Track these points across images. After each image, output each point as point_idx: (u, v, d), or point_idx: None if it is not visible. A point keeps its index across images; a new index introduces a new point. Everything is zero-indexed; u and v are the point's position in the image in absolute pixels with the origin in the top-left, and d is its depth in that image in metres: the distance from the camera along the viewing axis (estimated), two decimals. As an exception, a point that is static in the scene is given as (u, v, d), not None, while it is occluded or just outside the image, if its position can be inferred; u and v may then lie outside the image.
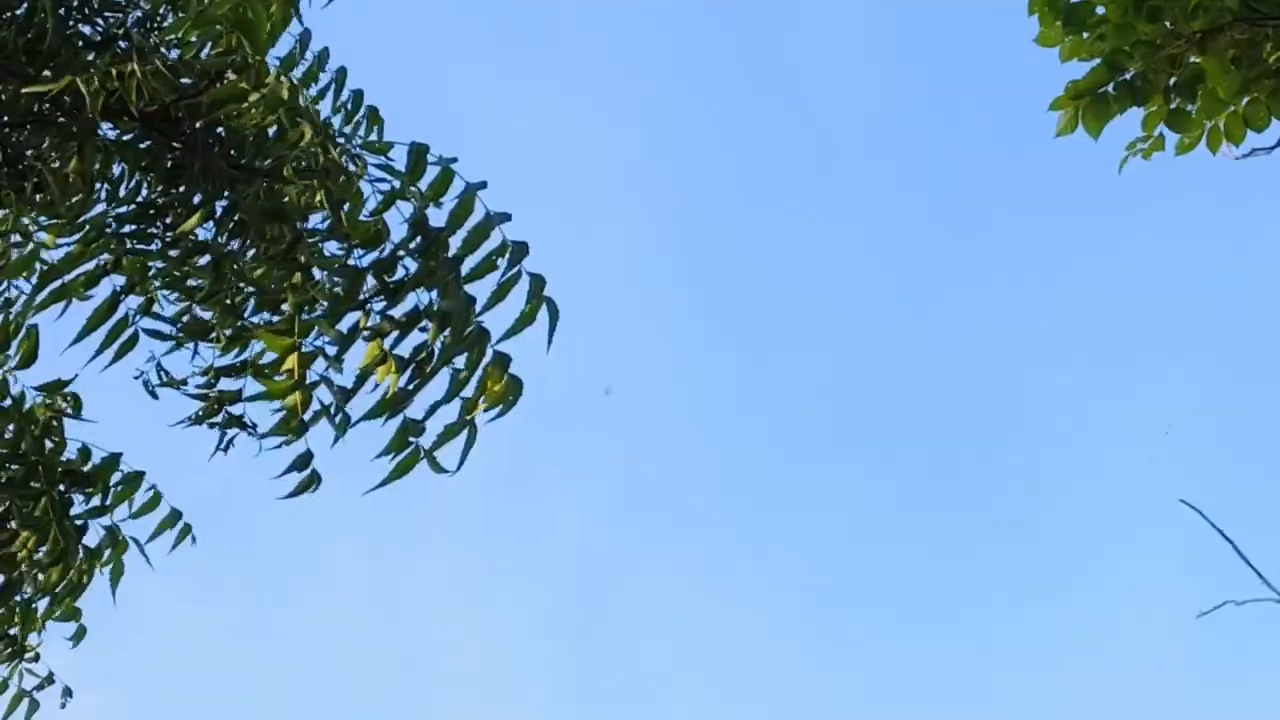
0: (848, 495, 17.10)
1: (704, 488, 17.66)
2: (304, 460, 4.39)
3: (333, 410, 4.57)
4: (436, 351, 4.44)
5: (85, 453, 5.10)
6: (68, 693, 5.41)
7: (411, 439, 4.43)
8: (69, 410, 5.09)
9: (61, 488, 4.71)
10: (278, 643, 16.23)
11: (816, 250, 16.60)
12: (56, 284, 4.83)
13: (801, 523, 17.40)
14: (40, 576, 4.64)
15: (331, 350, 4.67)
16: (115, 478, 5.16)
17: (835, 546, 17.14)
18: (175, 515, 5.04)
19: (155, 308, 4.85)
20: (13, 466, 4.58)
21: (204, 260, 4.82)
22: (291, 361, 4.21)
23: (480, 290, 4.29)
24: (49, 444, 4.90)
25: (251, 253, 4.81)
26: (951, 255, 16.64)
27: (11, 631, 5.25)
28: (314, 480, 4.37)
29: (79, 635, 5.29)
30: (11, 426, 4.87)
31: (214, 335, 4.83)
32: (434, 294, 4.51)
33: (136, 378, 4.76)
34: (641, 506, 17.28)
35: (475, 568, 17.17)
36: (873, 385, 16.69)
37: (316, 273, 4.79)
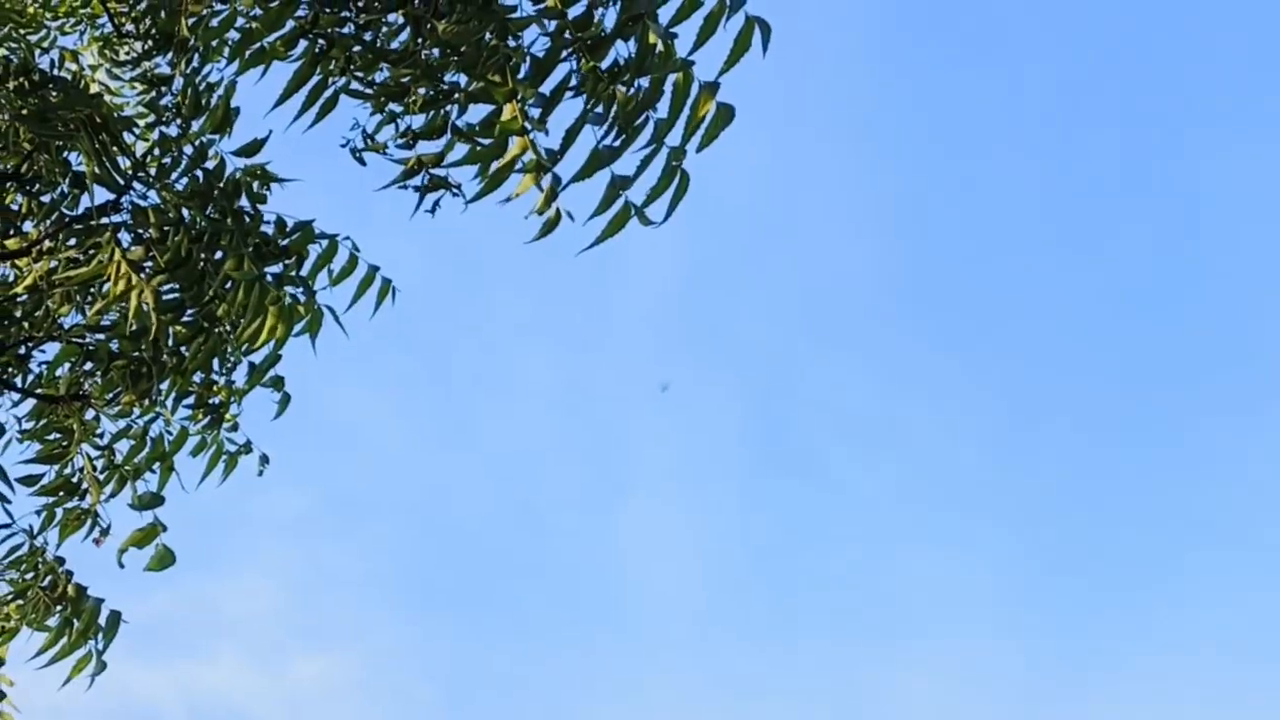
0: (1040, 302, 16.82)
1: (892, 296, 17.48)
2: (554, 216, 4.32)
3: (540, 175, 4.48)
4: (640, 102, 4.30)
5: (281, 224, 5.06)
6: (264, 460, 5.46)
7: (622, 193, 4.32)
8: (264, 183, 5.05)
9: (258, 245, 4.67)
10: (471, 444, 16.47)
11: (1010, 43, 16.11)
12: (255, 47, 4.75)
13: (992, 332, 17.17)
14: (241, 336, 4.62)
15: (535, 112, 4.56)
16: (312, 249, 5.12)
17: (1026, 354, 16.91)
18: (373, 272, 5.00)
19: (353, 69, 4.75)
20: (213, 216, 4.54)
21: (397, 18, 4.70)
22: (509, 115, 4.09)
23: (686, 31, 4.15)
24: (247, 208, 4.87)
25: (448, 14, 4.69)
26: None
27: (213, 401, 5.27)
28: (557, 219, 4.31)
29: (283, 404, 5.31)
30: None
31: (411, 97, 4.73)
32: (632, 44, 4.37)
33: (343, 145, 4.69)
34: (828, 315, 17.17)
35: (663, 372, 17.20)
36: (1078, 178, 16.28)
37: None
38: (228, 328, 4.76)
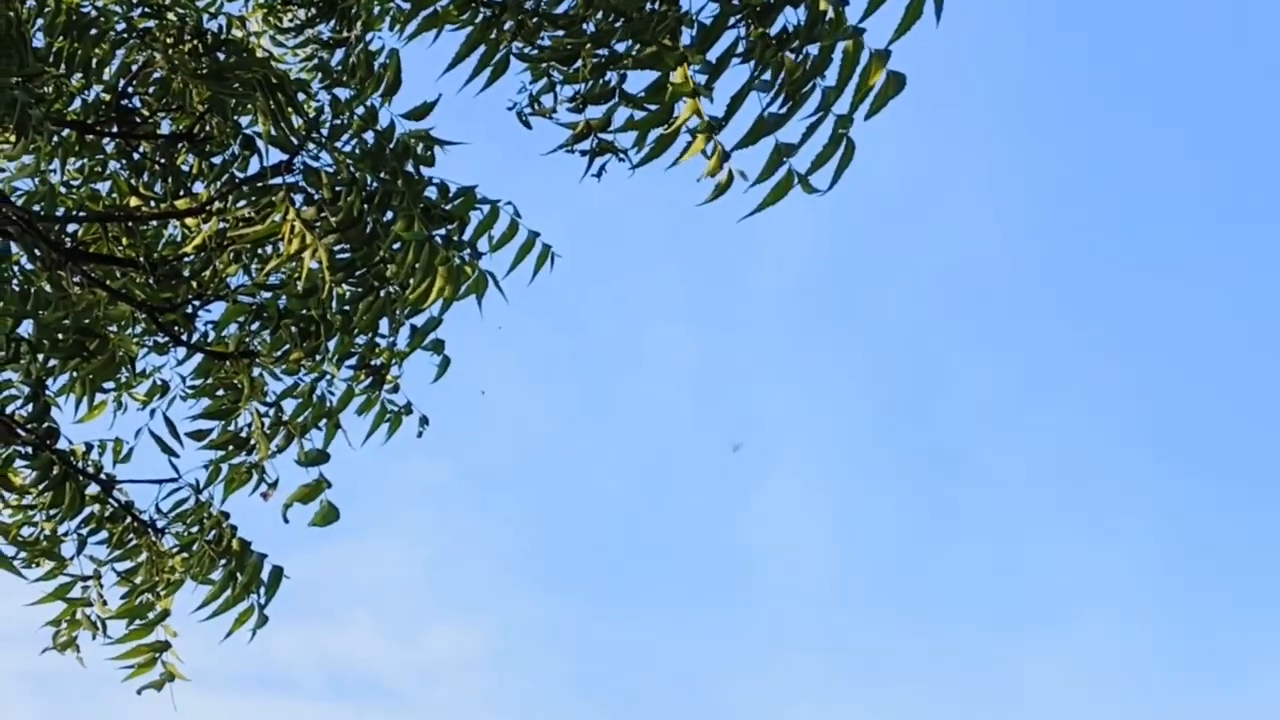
0: (1189, 294, 16.61)
1: (1038, 284, 17.35)
2: (725, 179, 4.38)
3: (707, 143, 4.53)
4: (808, 69, 4.33)
5: (444, 189, 5.15)
6: (424, 421, 5.56)
7: (785, 160, 4.35)
8: (429, 147, 5.14)
9: (425, 208, 4.77)
10: (607, 421, 16.58)
11: (1178, 23, 15.88)
12: (428, 11, 4.84)
13: (1138, 324, 16.98)
14: (408, 295, 4.72)
15: (701, 79, 4.61)
16: (474, 216, 5.20)
17: (1173, 346, 16.72)
18: (533, 238, 5.07)
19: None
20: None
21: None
22: (679, 78, 4.15)
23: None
24: (413, 171, 4.97)
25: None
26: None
27: (375, 363, 5.37)
28: (729, 181, 4.36)
29: (443, 367, 5.41)
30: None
31: (580, 62, 4.80)
32: (802, 11, 4.40)
33: (510, 108, 4.78)
34: (970, 300, 17.08)
35: (800, 353, 17.22)
36: (1240, 169, 16.06)
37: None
38: (396, 289, 4.86)
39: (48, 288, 5.31)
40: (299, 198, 4.86)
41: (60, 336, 5.03)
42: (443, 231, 5.14)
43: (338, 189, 4.79)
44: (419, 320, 5.31)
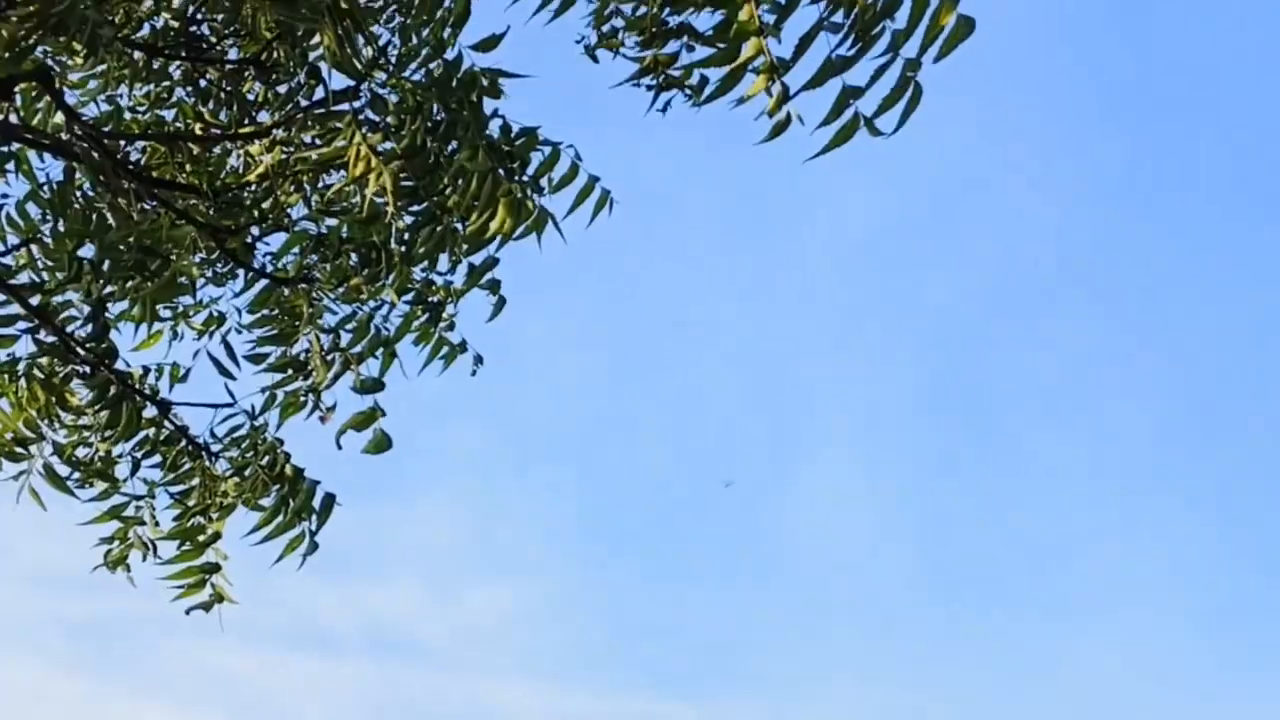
0: (1239, 293, 16.52)
1: (1090, 270, 17.26)
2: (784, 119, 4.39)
3: (772, 79, 4.53)
4: (878, 10, 4.33)
5: (506, 128, 5.17)
6: (478, 360, 5.59)
7: (852, 102, 4.35)
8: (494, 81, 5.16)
9: (489, 142, 4.80)
10: (653, 391, 16.61)
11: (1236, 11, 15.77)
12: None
13: (1188, 319, 16.90)
14: (471, 229, 4.75)
15: (769, 19, 4.61)
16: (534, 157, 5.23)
17: (1221, 344, 16.63)
18: (593, 182, 5.09)
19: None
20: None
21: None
22: (746, 15, 4.15)
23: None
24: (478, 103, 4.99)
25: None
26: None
27: (432, 300, 5.40)
28: (787, 122, 4.37)
29: (498, 307, 5.44)
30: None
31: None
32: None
33: (578, 41, 4.79)
34: (1021, 283, 17.01)
35: (848, 332, 17.19)
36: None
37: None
38: (457, 223, 4.89)
39: (110, 216, 5.36)
40: (364, 125, 4.89)
41: (123, 253, 5.08)
42: (503, 170, 5.17)
43: (402, 117, 4.82)
44: (477, 259, 5.35)
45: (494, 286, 5.46)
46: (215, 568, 5.42)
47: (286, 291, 5.31)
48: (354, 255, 5.08)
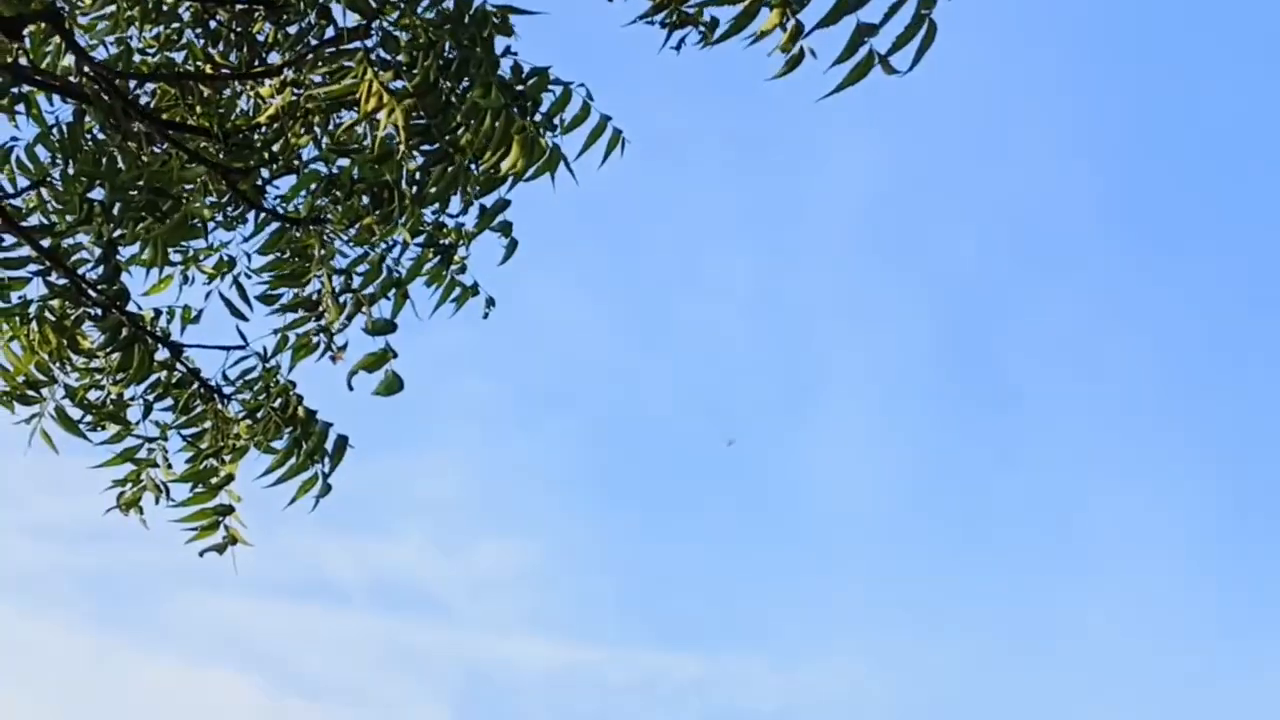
0: (1259, 243, 16.47)
1: (1105, 219, 17.22)
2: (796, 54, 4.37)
3: (785, 15, 4.51)
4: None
5: (517, 68, 5.14)
6: (490, 303, 5.59)
7: (866, 40, 4.33)
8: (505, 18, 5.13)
9: (502, 81, 4.78)
10: (662, 343, 16.61)
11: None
12: None
13: (1206, 269, 16.86)
14: (483, 167, 4.73)
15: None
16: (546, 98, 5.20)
17: (1245, 286, 16.60)
18: (604, 121, 5.07)
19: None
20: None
21: None
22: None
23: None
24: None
25: None
26: None
27: (443, 242, 5.40)
28: (800, 58, 4.36)
29: (510, 249, 5.43)
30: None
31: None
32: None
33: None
34: (1035, 234, 16.98)
35: (859, 282, 17.17)
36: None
37: None
38: (469, 161, 4.87)
39: (120, 158, 5.35)
40: (375, 64, 4.87)
41: (133, 195, 5.07)
42: (516, 109, 5.15)
43: (414, 55, 4.80)
44: (489, 201, 5.34)
45: (506, 229, 5.45)
46: (229, 510, 5.43)
47: (298, 233, 5.31)
48: (365, 196, 5.06)
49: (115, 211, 5.20)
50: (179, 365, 5.46)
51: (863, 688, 17.23)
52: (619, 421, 17.40)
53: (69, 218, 5.30)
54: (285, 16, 5.27)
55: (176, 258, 5.71)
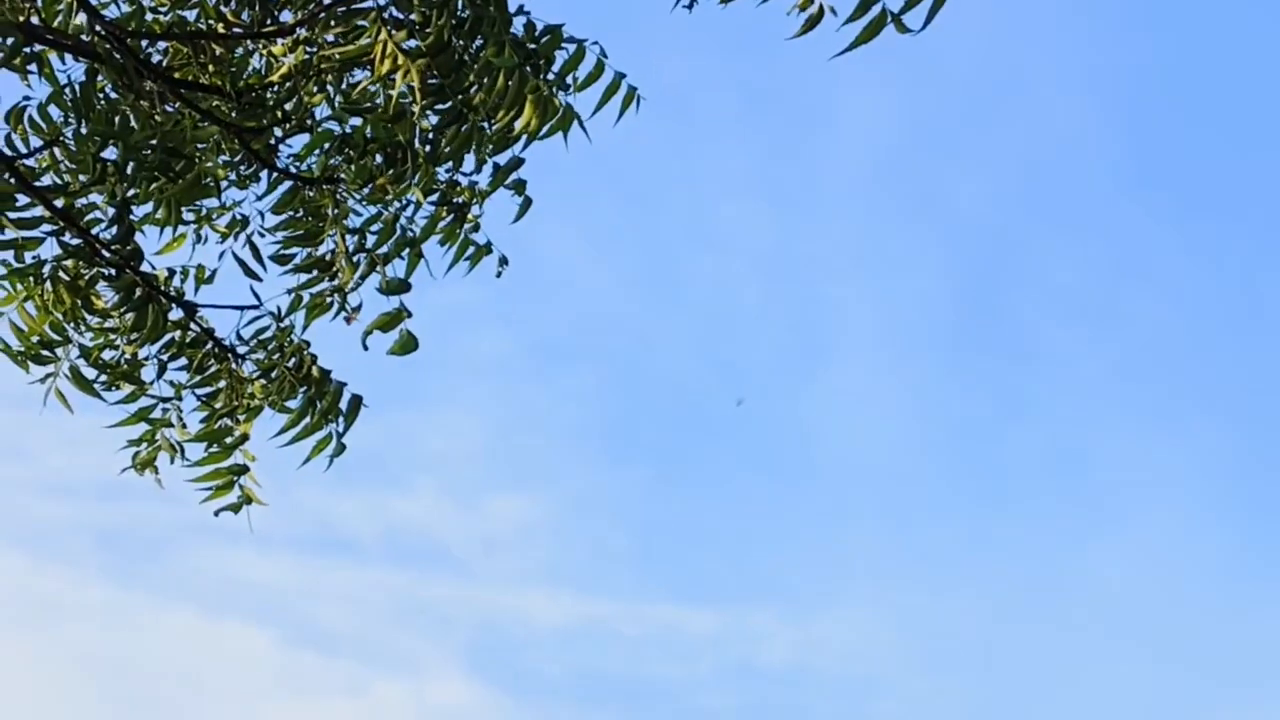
0: (1270, 189, 16.41)
1: (1119, 170, 17.17)
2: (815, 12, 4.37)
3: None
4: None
5: (530, 26, 5.14)
6: (504, 261, 5.59)
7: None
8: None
9: (515, 39, 4.77)
10: (674, 297, 16.61)
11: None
12: None
13: (1222, 221, 16.82)
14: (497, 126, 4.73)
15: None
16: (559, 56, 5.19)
17: (1257, 247, 16.55)
18: (619, 79, 5.06)
19: None
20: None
21: None
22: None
23: None
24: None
25: None
26: None
27: (457, 201, 5.40)
28: (820, 16, 4.36)
29: (524, 208, 5.43)
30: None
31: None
32: None
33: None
34: (1050, 186, 16.94)
35: (873, 236, 17.16)
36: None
37: None
38: (483, 120, 4.86)
39: (133, 117, 5.34)
40: (388, 23, 4.86)
41: (146, 154, 5.07)
42: (529, 67, 5.14)
43: (427, 13, 4.79)
44: (502, 159, 5.34)
45: (519, 187, 5.45)
46: (243, 469, 5.44)
47: (311, 192, 5.31)
48: (379, 155, 5.06)
49: (128, 171, 5.20)
50: (193, 325, 5.47)
51: (876, 639, 17.30)
52: (632, 376, 17.44)
53: (82, 177, 5.30)
54: (299, -26, 5.25)
55: (190, 217, 5.71)
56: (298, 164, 5.45)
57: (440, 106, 4.92)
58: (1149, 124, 17.12)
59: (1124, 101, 16.84)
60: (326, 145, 5.17)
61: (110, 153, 5.30)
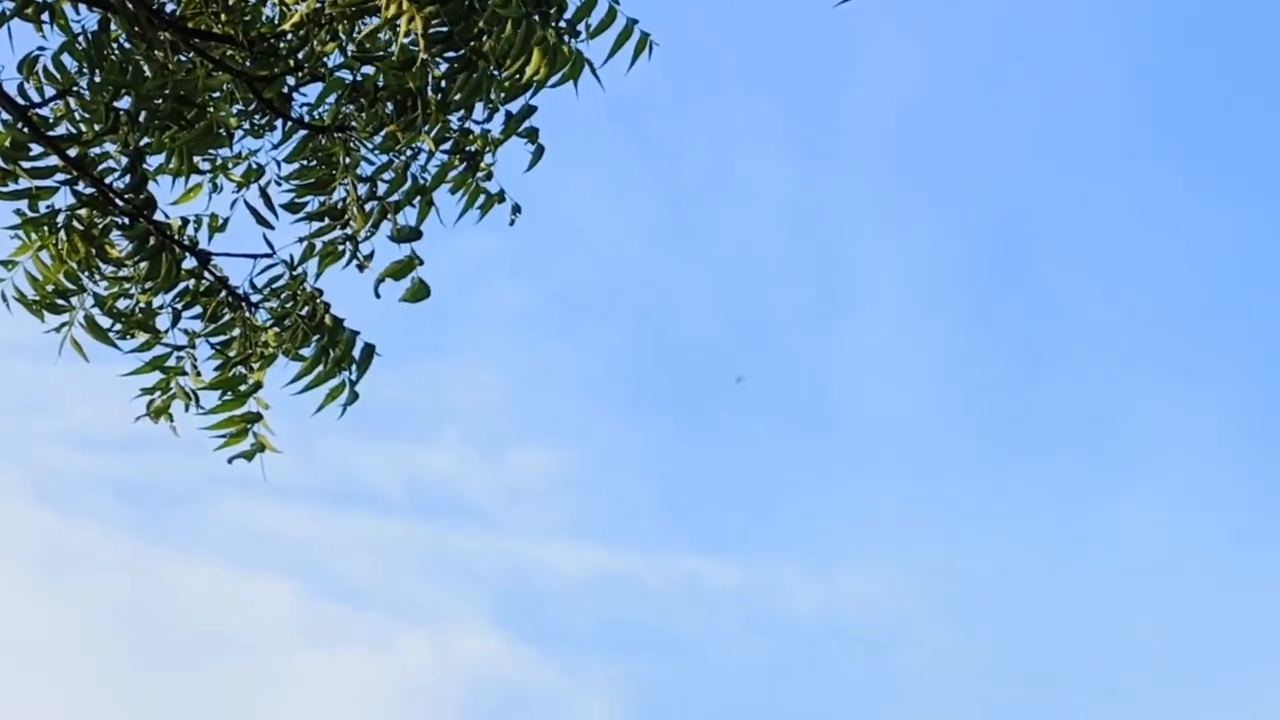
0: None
1: (1142, 124, 17.08)
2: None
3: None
4: None
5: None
6: (516, 209, 5.60)
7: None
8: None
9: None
10: (697, 250, 16.60)
11: None
12: None
13: (1244, 176, 16.72)
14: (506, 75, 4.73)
15: None
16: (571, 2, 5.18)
17: (1277, 194, 16.46)
18: (631, 25, 5.05)
19: None
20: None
21: None
22: None
23: None
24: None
25: None
26: None
27: (469, 149, 5.40)
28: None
29: (536, 156, 5.43)
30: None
31: None
32: None
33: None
34: (1073, 140, 16.87)
35: (896, 191, 17.12)
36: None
37: None
38: (493, 68, 4.86)
39: (146, 66, 5.36)
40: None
41: (159, 104, 5.08)
42: (538, 16, 5.13)
43: (436, -40, 4.79)
44: (514, 107, 5.34)
45: (532, 135, 5.45)
46: (257, 417, 5.48)
47: (324, 140, 5.32)
48: (390, 103, 5.07)
49: (141, 120, 5.22)
50: (206, 273, 5.50)
51: (898, 592, 17.34)
52: (654, 328, 17.46)
53: (96, 127, 5.33)
54: (307, -77, 5.25)
55: (205, 166, 5.73)
56: (311, 112, 5.46)
57: (450, 54, 4.93)
58: (1172, 78, 17.03)
59: (1147, 56, 16.76)
60: (338, 93, 5.18)
61: (123, 102, 5.32)
